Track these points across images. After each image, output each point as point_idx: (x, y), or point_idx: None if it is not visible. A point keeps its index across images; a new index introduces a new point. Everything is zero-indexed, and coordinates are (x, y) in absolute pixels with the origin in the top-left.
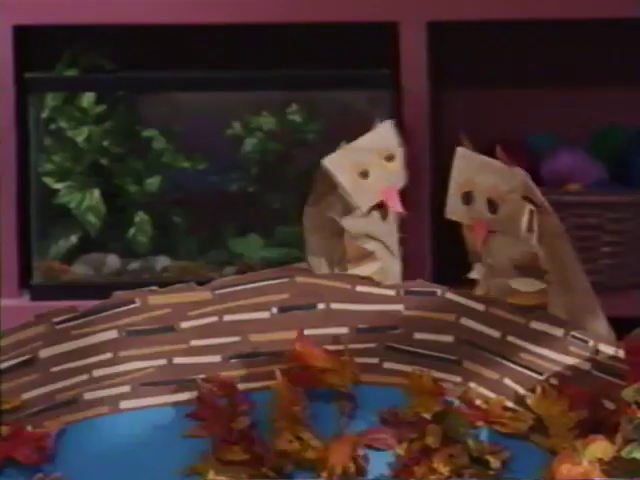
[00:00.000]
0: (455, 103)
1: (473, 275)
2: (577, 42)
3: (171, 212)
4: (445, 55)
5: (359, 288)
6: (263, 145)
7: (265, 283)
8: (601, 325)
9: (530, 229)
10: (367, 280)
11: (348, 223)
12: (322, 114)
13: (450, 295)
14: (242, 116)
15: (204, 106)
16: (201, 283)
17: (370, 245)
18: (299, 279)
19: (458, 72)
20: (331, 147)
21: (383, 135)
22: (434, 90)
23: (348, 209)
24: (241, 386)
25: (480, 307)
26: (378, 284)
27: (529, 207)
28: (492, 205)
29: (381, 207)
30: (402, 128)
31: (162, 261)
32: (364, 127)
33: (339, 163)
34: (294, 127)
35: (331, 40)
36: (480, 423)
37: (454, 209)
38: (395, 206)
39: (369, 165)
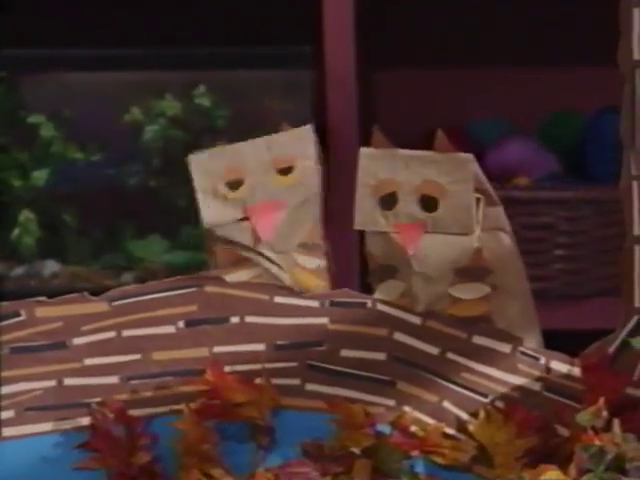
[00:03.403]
0: (387, 85)
1: (380, 296)
2: (526, 18)
3: (61, 210)
4: (375, 31)
5: (278, 299)
6: (166, 133)
7: (170, 293)
8: (535, 336)
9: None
10: (287, 290)
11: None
12: (234, 97)
13: (382, 307)
14: (142, 100)
15: (98, 88)
16: (96, 292)
17: (242, 251)
18: (209, 289)
19: (390, 50)
20: (244, 135)
21: (291, 141)
22: (363, 70)
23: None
24: (143, 411)
25: (416, 320)
26: (299, 294)
27: (476, 196)
28: (428, 202)
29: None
30: (326, 113)
31: (51, 266)
32: (282, 112)
33: (205, 164)
34: (201, 112)
35: (245, 14)
36: (416, 453)
37: (367, 218)
38: (260, 228)
39: (248, 174)
